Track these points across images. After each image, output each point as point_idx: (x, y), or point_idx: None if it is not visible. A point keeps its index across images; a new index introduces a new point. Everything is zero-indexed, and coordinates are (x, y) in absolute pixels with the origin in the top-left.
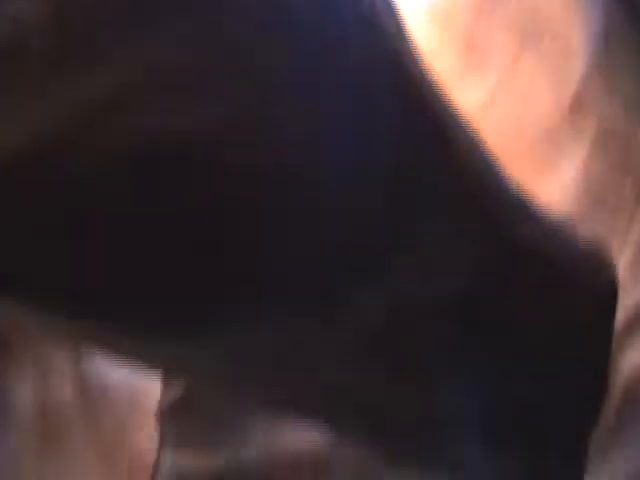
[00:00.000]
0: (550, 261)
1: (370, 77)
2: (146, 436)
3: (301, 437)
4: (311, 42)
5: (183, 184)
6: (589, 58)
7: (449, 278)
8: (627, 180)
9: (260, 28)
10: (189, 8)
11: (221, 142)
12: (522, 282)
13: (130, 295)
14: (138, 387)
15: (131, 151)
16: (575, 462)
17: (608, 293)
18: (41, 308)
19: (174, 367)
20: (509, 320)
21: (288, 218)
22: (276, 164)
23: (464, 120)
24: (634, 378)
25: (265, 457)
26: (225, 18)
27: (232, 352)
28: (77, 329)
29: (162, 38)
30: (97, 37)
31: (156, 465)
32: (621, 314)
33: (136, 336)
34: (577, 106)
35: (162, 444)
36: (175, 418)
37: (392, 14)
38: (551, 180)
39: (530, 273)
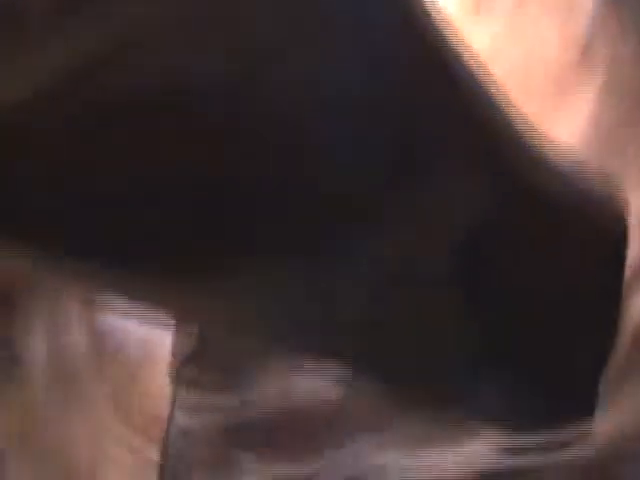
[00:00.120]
0: (561, 205)
1: (376, 18)
2: (159, 386)
3: (315, 385)
4: None
5: (182, 135)
6: None
7: (455, 223)
8: (639, 124)
9: None
10: None
11: (220, 92)
12: (532, 226)
13: (142, 240)
14: (150, 337)
15: (130, 103)
16: (586, 400)
17: (620, 237)
18: (50, 255)
19: (187, 315)
20: (517, 265)
21: (288, 167)
22: (276, 113)
23: (472, 64)
24: None
25: (278, 405)
26: None
27: (244, 298)
28: (88, 276)
29: None
30: None
31: (169, 415)
32: (631, 259)
33: (149, 282)
34: (586, 49)
35: (175, 394)
36: (188, 367)
37: None
38: (561, 125)
39: (540, 217)
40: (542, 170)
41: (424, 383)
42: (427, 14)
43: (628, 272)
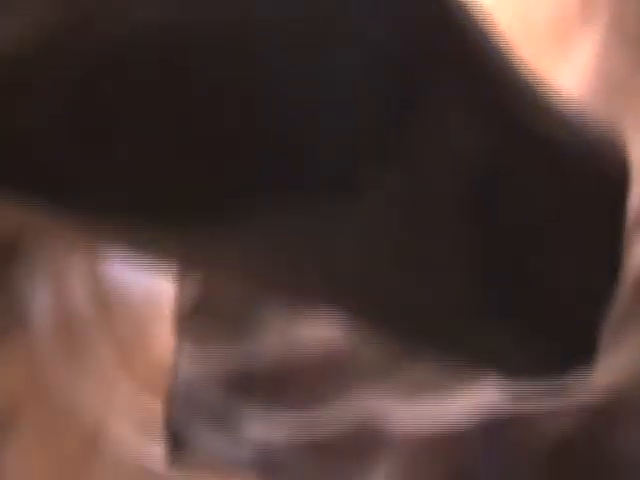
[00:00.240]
0: (563, 151)
1: None
2: (164, 337)
3: (318, 334)
4: None
5: (179, 83)
6: None
7: (458, 168)
8: None
9: None
10: None
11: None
12: (534, 172)
13: (145, 188)
14: (154, 289)
15: (132, 39)
16: (587, 348)
17: (621, 184)
18: (54, 205)
19: (191, 264)
20: (519, 210)
21: (297, 102)
22: (270, 53)
23: (474, 9)
24: None
25: (282, 354)
26: None
27: (249, 243)
28: (92, 227)
29: None
30: None
31: (174, 366)
32: (633, 208)
33: (153, 231)
34: None
35: (179, 345)
36: (192, 318)
37: None
38: (564, 68)
39: (542, 163)
40: (545, 116)
41: (426, 330)
42: None
43: (629, 220)
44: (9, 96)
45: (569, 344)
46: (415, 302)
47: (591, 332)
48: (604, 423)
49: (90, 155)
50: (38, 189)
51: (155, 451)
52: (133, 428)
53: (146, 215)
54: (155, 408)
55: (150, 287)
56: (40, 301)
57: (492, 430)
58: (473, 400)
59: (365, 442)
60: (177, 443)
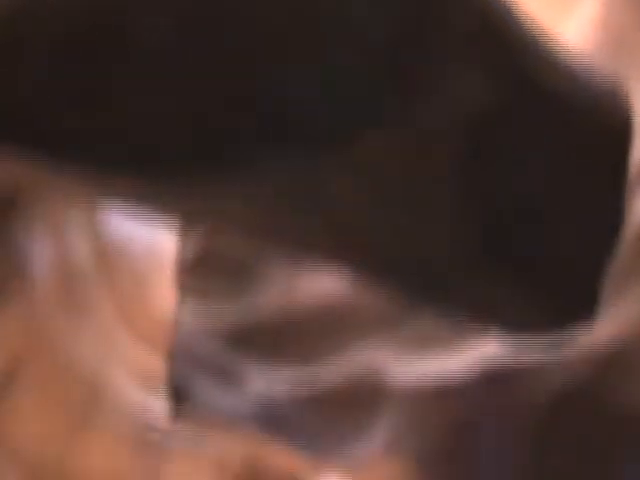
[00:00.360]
0: (566, 102)
1: None
2: (164, 291)
3: (319, 288)
4: None
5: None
6: None
7: (458, 118)
8: None
9: None
10: None
11: None
12: (535, 123)
13: (147, 140)
14: (155, 241)
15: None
16: (588, 302)
17: (624, 134)
18: (54, 157)
19: (192, 216)
20: (520, 161)
21: (288, 67)
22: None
23: None
24: None
25: (285, 308)
26: None
27: (250, 194)
28: (93, 179)
29: None
30: None
31: (175, 321)
32: (635, 161)
33: (155, 183)
34: None
35: (180, 299)
36: (193, 272)
37: None
38: (568, 22)
39: (544, 114)
40: (551, 69)
41: (426, 284)
42: None
43: (631, 174)
44: (4, 50)
45: (570, 298)
46: (415, 254)
47: (592, 286)
48: (606, 376)
49: (88, 107)
50: (37, 143)
51: (156, 405)
52: (134, 382)
53: (147, 168)
54: (156, 362)
55: (151, 240)
56: (39, 255)
57: (493, 383)
58: (474, 354)
59: (366, 396)
60: (178, 397)
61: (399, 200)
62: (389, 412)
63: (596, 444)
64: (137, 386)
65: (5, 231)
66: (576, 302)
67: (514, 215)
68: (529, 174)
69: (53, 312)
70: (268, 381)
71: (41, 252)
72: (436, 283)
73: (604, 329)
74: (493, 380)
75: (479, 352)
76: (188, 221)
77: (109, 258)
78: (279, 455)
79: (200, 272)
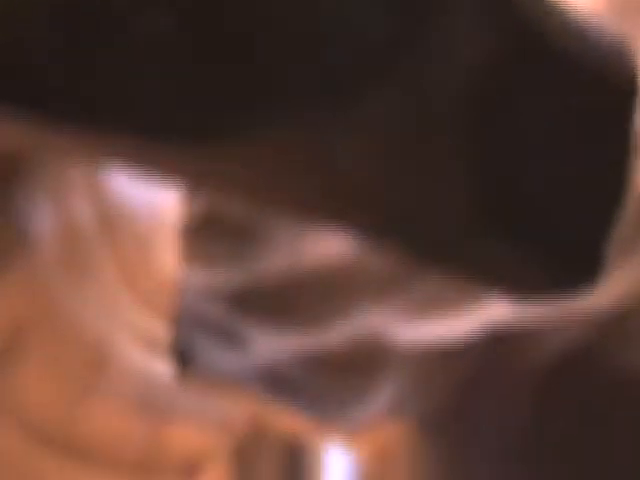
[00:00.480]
0: (571, 59)
1: None
2: (168, 254)
3: (325, 251)
4: None
5: None
6: None
7: (463, 71)
8: None
9: None
10: None
11: None
12: (540, 78)
13: (151, 102)
14: (158, 204)
15: None
16: (593, 264)
17: (630, 94)
18: (56, 119)
19: (196, 180)
20: (523, 118)
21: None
22: None
23: None
24: None
25: (289, 271)
26: None
27: (251, 157)
28: (96, 142)
29: None
30: None
31: (178, 285)
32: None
33: (160, 146)
34: None
35: (184, 262)
36: (197, 235)
37: None
38: None
39: (549, 69)
40: (558, 26)
41: (430, 246)
42: None
43: (637, 135)
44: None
45: (574, 262)
46: (417, 216)
47: (597, 249)
48: (607, 340)
49: (90, 68)
50: (38, 102)
51: (161, 368)
52: (137, 345)
53: (149, 132)
54: (159, 325)
55: (154, 203)
56: (41, 219)
57: (497, 345)
58: (478, 316)
59: (370, 358)
60: (183, 360)
61: (402, 160)
62: (393, 374)
63: (596, 408)
64: (141, 349)
65: (7, 197)
66: (580, 266)
67: (516, 175)
68: (532, 134)
69: (56, 277)
70: (272, 343)
71: (43, 217)
72: (440, 247)
73: (607, 293)
74: (496, 342)
75: (483, 314)
76: (189, 183)
77: (111, 222)
78: (282, 416)
79: (203, 235)
